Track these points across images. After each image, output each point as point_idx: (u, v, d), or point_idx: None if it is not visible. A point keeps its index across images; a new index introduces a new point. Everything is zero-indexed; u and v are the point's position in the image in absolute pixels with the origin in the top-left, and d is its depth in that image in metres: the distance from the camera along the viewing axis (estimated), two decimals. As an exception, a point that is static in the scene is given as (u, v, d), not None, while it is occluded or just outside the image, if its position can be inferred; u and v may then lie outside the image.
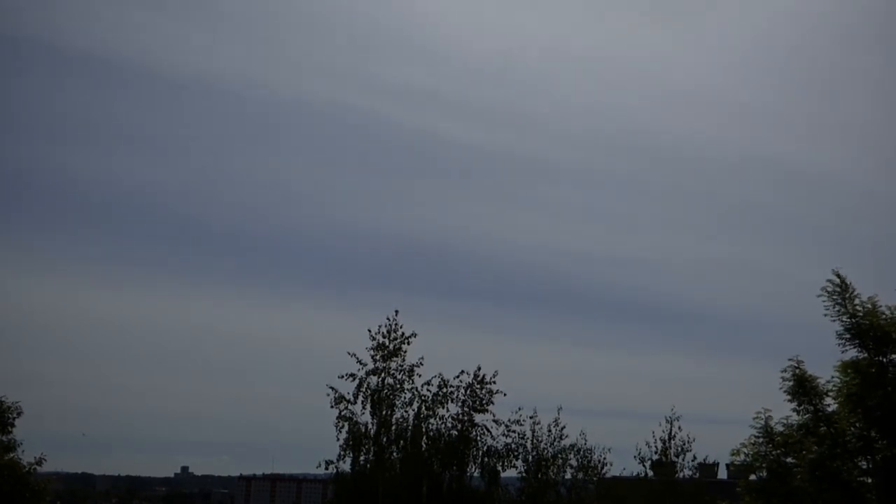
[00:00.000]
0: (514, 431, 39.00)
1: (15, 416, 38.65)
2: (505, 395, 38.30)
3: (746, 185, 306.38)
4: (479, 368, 38.13)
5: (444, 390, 37.68)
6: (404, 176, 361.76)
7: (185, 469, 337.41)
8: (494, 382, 38.04)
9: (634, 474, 45.25)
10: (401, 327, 37.70)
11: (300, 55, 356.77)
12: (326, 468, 37.55)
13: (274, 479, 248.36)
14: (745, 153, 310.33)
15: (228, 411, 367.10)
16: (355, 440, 37.05)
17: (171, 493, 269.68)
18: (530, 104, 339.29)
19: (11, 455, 38.14)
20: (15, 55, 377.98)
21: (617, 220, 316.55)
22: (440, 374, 37.95)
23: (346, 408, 37.17)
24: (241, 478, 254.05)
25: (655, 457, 44.26)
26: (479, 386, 37.90)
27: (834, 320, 23.96)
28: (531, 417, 41.24)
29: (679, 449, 44.11)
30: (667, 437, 44.11)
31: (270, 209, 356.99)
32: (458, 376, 37.97)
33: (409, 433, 37.53)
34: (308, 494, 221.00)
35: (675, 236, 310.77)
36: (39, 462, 38.80)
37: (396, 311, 37.76)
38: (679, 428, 44.25)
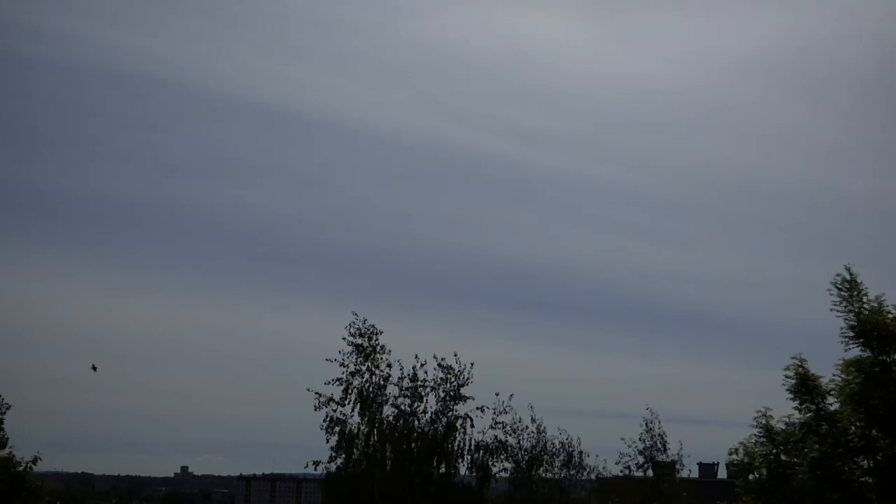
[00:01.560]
0: (501, 423, 39.01)
1: (3, 411, 38.38)
2: (471, 374, 38.26)
3: (757, 201, 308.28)
4: (436, 356, 38.19)
5: (418, 382, 37.83)
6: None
7: (185, 469, 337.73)
8: (464, 368, 38.07)
9: (625, 473, 45.27)
10: (366, 324, 37.91)
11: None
12: (315, 468, 37.56)
13: (274, 479, 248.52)
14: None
15: (228, 411, 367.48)
16: (347, 442, 37.07)
17: (171, 493, 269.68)
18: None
19: (4, 451, 37.95)
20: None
21: (623, 231, 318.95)
22: (413, 367, 37.99)
23: (336, 409, 37.22)
24: (241, 478, 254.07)
25: (639, 457, 44.30)
26: (449, 375, 37.95)
27: (839, 316, 23.78)
28: (509, 399, 40.89)
29: (658, 444, 44.14)
30: (646, 436, 44.21)
31: (269, 215, 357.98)
32: (423, 365, 38.09)
33: (397, 432, 37.56)
34: (308, 494, 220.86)
35: (684, 248, 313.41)
36: (35, 461, 38.63)
37: (355, 313, 37.81)
38: (659, 423, 44.35)
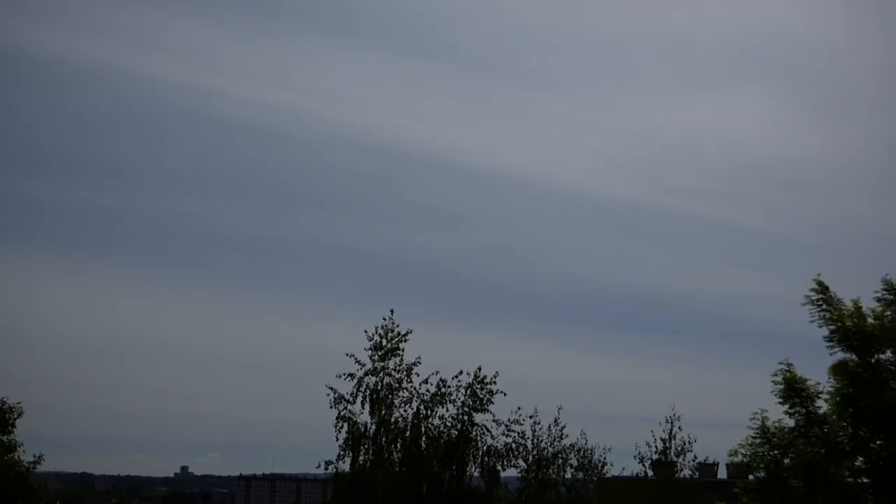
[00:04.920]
0: (513, 431, 39.06)
1: (16, 416, 38.83)
2: (505, 395, 38.38)
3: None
4: (480, 369, 38.20)
5: (443, 390, 37.73)
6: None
7: (185, 469, 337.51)
8: (495, 383, 38.11)
9: (634, 474, 45.43)
10: (396, 326, 37.80)
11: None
12: (326, 468, 37.59)
13: (274, 479, 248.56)
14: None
15: (228, 411, 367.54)
16: (354, 440, 37.07)
17: (171, 493, 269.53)
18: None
19: (12, 455, 38.32)
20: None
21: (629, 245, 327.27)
22: (437, 372, 38.01)
23: (346, 408, 37.23)
24: (240, 478, 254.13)
25: (655, 456, 44.41)
26: (479, 386, 37.94)
27: (821, 326, 24.19)
28: (531, 417, 41.32)
29: (679, 449, 44.26)
30: (667, 437, 44.28)
31: (268, 216, 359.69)
32: (456, 376, 38.03)
33: (408, 433, 37.54)
34: (308, 494, 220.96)
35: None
36: (39, 460, 38.97)
37: (392, 311, 37.82)
38: (679, 428, 44.42)
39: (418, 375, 37.78)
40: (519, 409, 39.13)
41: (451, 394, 37.66)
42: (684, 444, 44.39)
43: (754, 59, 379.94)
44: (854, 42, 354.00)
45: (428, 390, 37.63)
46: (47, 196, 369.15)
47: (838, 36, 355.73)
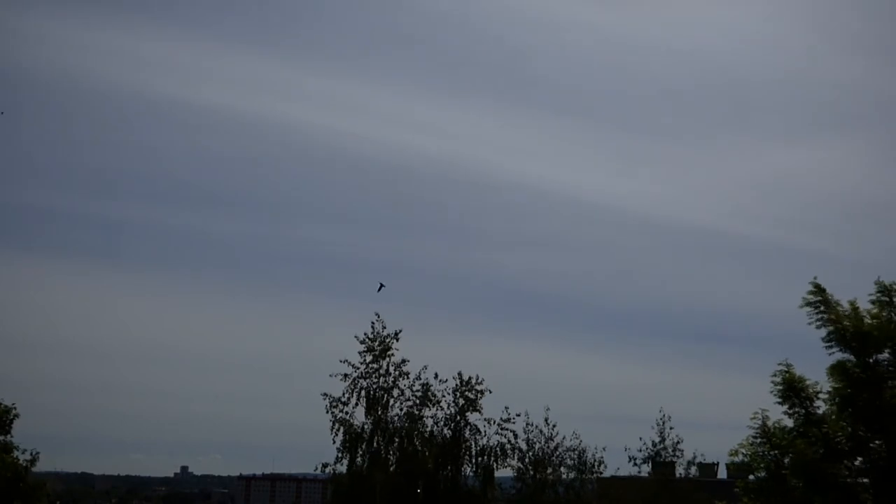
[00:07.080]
0: (507, 430, 39.17)
1: (12, 417, 38.73)
2: (491, 392, 38.67)
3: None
4: (460, 373, 38.68)
5: (431, 391, 38.04)
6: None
7: (185, 469, 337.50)
8: (481, 383, 38.47)
9: (632, 474, 45.36)
10: (384, 328, 38.23)
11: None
12: (324, 470, 37.75)
13: (274, 479, 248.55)
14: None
15: (228, 411, 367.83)
16: (351, 442, 37.22)
17: (171, 493, 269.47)
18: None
19: (9, 455, 38.22)
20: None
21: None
22: (426, 367, 38.33)
23: (342, 410, 37.39)
24: (240, 478, 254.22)
25: (647, 454, 44.33)
26: (466, 388, 38.26)
27: (819, 328, 24.16)
28: (518, 415, 41.27)
29: (671, 449, 44.18)
30: (659, 439, 44.23)
31: (267, 220, 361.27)
32: (437, 376, 38.44)
33: (403, 432, 37.70)
34: (308, 494, 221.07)
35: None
36: (33, 461, 38.85)
37: (377, 314, 38.24)
38: (671, 427, 44.36)
39: (409, 374, 38.13)
40: (507, 408, 39.34)
41: (436, 395, 38.08)
42: (675, 443, 44.36)
43: (859, 110, 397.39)
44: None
45: (418, 391, 38.01)
46: (52, 204, 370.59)
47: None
